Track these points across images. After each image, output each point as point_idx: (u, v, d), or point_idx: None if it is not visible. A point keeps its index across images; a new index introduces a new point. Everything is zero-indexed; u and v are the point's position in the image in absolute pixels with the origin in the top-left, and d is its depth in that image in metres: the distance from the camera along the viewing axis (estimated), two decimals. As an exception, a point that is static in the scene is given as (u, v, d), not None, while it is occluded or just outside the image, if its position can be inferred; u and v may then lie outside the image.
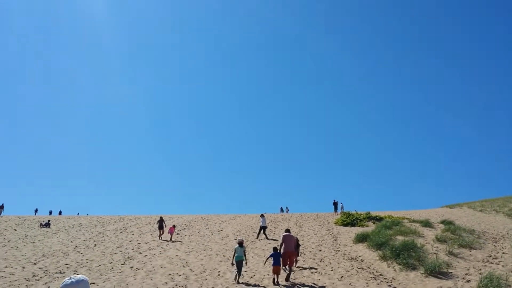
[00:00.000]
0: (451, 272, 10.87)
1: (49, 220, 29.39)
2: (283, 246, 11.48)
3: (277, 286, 10.61)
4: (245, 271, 12.58)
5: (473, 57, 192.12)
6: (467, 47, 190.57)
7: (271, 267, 11.34)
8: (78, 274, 2.22)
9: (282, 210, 45.13)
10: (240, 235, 22.09)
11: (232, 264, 11.65)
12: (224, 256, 15.68)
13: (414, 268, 11.40)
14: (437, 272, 10.74)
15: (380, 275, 11.32)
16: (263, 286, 10.70)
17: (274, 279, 11.08)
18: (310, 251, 16.21)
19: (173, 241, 20.19)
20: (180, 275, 12.20)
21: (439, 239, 15.39)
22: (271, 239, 20.21)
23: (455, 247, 14.01)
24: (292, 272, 12.06)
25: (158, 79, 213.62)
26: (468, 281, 9.89)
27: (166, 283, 11.20)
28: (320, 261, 14.03)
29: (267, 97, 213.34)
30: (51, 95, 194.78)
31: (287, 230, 12.15)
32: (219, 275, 12.22)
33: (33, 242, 20.17)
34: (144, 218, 34.42)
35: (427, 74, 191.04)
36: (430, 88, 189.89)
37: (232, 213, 41.05)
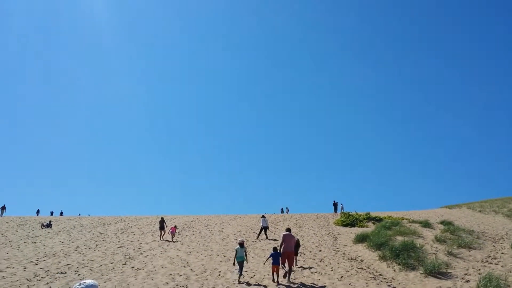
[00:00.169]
0: (451, 272, 10.93)
1: (50, 221, 29.46)
2: (283, 245, 11.55)
3: (277, 286, 10.68)
4: (245, 271, 12.64)
5: (473, 57, 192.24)
6: (467, 47, 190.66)
7: (271, 267, 11.45)
8: (87, 279, 2.24)
9: (282, 210, 45.20)
10: (241, 235, 22.16)
11: (234, 264, 11.75)
12: (224, 256, 15.74)
13: (413, 268, 11.47)
14: (437, 272, 10.80)
15: (380, 275, 11.39)
16: (264, 286, 10.77)
17: (273, 278, 11.20)
18: (310, 252, 16.27)
19: (174, 241, 20.27)
20: (181, 275, 12.27)
21: (438, 240, 15.45)
22: (271, 239, 20.28)
23: (455, 247, 14.07)
24: (292, 272, 12.12)
25: (159, 79, 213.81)
26: (467, 281, 9.96)
27: (167, 283, 11.27)
28: (320, 261, 14.09)
29: (267, 97, 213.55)
30: (51, 95, 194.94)
31: (288, 230, 12.21)
32: (219, 275, 12.29)
33: (35, 242, 20.25)
34: (145, 218, 34.49)
35: (427, 74, 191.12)
36: (430, 88, 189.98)
37: (232, 213, 41.12)
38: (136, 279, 11.84)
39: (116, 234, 23.81)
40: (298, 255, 14.67)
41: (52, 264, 14.20)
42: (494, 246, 15.09)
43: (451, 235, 16.60)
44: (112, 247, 18.46)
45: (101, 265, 14.07)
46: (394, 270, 11.68)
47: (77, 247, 18.69)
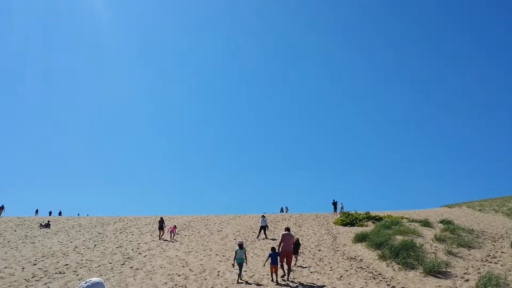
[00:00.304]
0: (450, 272, 10.90)
1: (48, 221, 29.39)
2: (281, 245, 11.53)
3: (276, 285, 10.64)
4: (245, 271, 12.61)
5: (473, 57, 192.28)
6: (467, 47, 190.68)
7: (269, 267, 11.44)
8: (93, 277, 2.32)
9: (282, 210, 45.18)
10: (240, 235, 22.12)
11: (233, 266, 11.75)
12: (223, 256, 15.70)
13: (413, 268, 11.43)
14: (436, 271, 10.77)
15: (379, 274, 11.35)
16: (263, 285, 10.73)
17: (272, 278, 11.19)
18: (309, 251, 16.24)
19: (173, 241, 20.22)
20: (179, 275, 12.23)
21: (438, 239, 15.42)
22: (271, 239, 20.24)
23: (454, 246, 14.05)
24: (291, 272, 12.09)
25: (158, 79, 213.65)
26: (467, 280, 9.92)
27: (166, 283, 11.22)
28: (320, 261, 14.06)
29: (267, 96, 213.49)
30: (51, 95, 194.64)
31: (287, 229, 12.17)
32: (218, 275, 12.25)
33: (33, 242, 20.19)
34: (144, 218, 34.43)
35: (427, 74, 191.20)
36: (429, 88, 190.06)
37: (231, 213, 41.07)
38: (134, 279, 11.79)
39: (114, 234, 23.75)
40: (298, 254, 14.63)
41: (51, 264, 14.15)
42: (493, 245, 15.05)
43: (451, 234, 16.57)
44: (111, 247, 18.41)
45: (99, 265, 14.02)
46: (394, 270, 11.64)
47: (76, 247, 18.63)
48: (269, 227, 24.84)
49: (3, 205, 39.46)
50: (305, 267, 13.06)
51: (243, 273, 12.10)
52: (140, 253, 16.61)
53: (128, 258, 15.55)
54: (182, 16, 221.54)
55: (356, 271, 12.00)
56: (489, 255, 12.89)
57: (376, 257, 13.51)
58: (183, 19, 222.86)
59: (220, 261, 14.64)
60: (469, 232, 17.83)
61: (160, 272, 12.73)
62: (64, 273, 12.69)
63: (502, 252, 13.28)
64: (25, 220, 33.30)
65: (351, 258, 14.18)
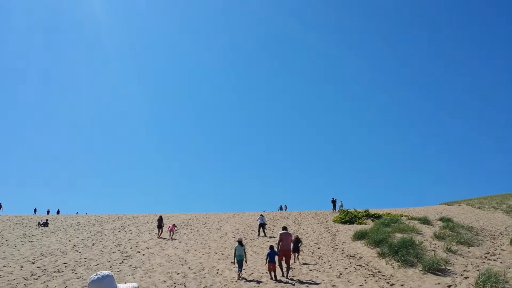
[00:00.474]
0: (449, 269, 10.89)
1: (47, 220, 29.33)
2: (280, 244, 11.52)
3: (275, 283, 10.61)
4: (244, 269, 12.58)
5: (473, 57, 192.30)
6: (468, 47, 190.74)
7: (267, 265, 11.43)
8: (103, 271, 2.45)
9: (281, 208, 45.18)
10: (239, 233, 22.10)
11: (233, 263, 11.73)
12: (222, 254, 15.67)
13: (412, 265, 11.41)
14: (435, 269, 10.75)
15: (379, 272, 11.33)
16: (262, 282, 10.70)
17: (271, 276, 11.20)
18: (308, 249, 16.22)
19: (172, 239, 20.20)
20: (178, 274, 12.19)
21: (437, 236, 15.42)
22: (270, 237, 20.23)
23: (454, 244, 14.04)
24: (290, 270, 12.07)
25: (158, 79, 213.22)
26: (466, 277, 9.90)
27: (165, 281, 11.19)
28: (319, 259, 14.04)
29: (265, 95, 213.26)
30: (50, 95, 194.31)
31: (284, 228, 12.14)
32: (217, 273, 12.22)
33: (31, 241, 20.14)
34: (142, 216, 34.39)
35: (427, 73, 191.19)
36: (428, 87, 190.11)
37: (230, 211, 41.07)
38: (133, 278, 11.75)
39: (113, 232, 23.71)
40: (299, 252, 14.61)
41: (49, 263, 14.10)
42: (493, 242, 15.05)
43: (450, 232, 16.56)
44: (109, 246, 18.37)
45: (98, 264, 13.98)
46: (393, 267, 11.63)
47: (74, 245, 18.59)
48: (266, 224, 24.83)
49: (1, 203, 39.40)
50: (305, 265, 13.04)
51: (242, 270, 12.06)
52: (139, 252, 16.57)
53: (126, 256, 15.51)
54: (183, 16, 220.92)
55: (356, 268, 11.98)
56: (489, 253, 12.88)
57: (375, 255, 13.49)
58: (184, 19, 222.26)
59: (219, 259, 14.61)
60: (468, 229, 17.83)
61: (159, 271, 12.70)
62: (62, 271, 12.65)
63: (502, 250, 13.27)
64: (23, 219, 33.23)
65: (350, 256, 14.16)
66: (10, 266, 13.40)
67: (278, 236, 11.76)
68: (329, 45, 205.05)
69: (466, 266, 11.17)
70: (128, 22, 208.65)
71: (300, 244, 14.02)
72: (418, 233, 16.56)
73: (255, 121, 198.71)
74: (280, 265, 11.64)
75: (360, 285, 9.96)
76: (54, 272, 12.56)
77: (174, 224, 21.83)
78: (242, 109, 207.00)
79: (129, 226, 26.72)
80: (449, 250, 13.00)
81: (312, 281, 10.77)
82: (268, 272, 11.61)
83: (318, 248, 16.46)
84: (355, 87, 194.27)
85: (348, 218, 26.12)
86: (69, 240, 20.41)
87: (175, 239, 20.45)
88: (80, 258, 15.08)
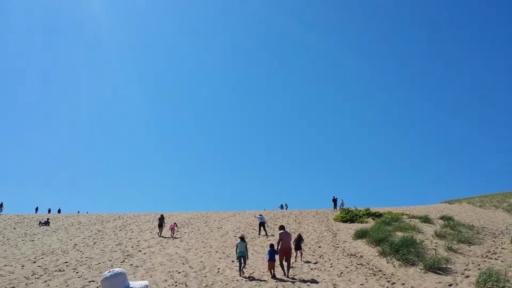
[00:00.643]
0: (450, 268, 10.88)
1: (48, 219, 29.37)
2: (280, 242, 11.52)
3: (276, 281, 10.62)
4: (245, 268, 12.58)
5: (473, 57, 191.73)
6: (468, 47, 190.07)
7: (267, 264, 11.47)
8: (116, 268, 2.52)
9: (282, 207, 45.21)
10: (240, 232, 22.11)
11: (233, 261, 11.73)
12: (223, 253, 15.68)
13: (413, 264, 11.41)
14: (436, 267, 10.74)
15: (379, 271, 11.33)
16: (264, 280, 10.71)
17: (272, 275, 11.23)
18: (309, 248, 16.22)
19: (174, 238, 20.23)
20: (179, 273, 12.20)
21: (438, 235, 15.41)
22: (271, 235, 20.23)
23: (454, 242, 14.03)
24: (291, 268, 12.07)
25: (158, 79, 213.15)
26: (467, 276, 9.90)
27: (166, 280, 11.20)
28: (320, 258, 14.04)
29: (266, 94, 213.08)
30: (51, 95, 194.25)
31: (282, 227, 12.12)
32: (218, 272, 12.23)
33: (33, 240, 20.17)
34: (144, 215, 34.43)
35: (427, 73, 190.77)
36: (429, 86, 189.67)
37: (231, 210, 41.09)
38: (134, 277, 11.76)
39: (114, 231, 23.74)
40: (301, 250, 14.64)
41: (50, 262, 14.12)
42: (494, 241, 15.04)
43: (451, 230, 16.55)
44: (111, 245, 18.39)
45: (99, 263, 14.00)
46: (394, 266, 11.63)
47: (75, 244, 18.61)
48: (266, 223, 24.85)
49: (2, 202, 39.45)
50: (306, 263, 13.04)
51: (243, 269, 12.05)
52: (140, 251, 16.59)
53: (128, 255, 15.53)
54: (183, 16, 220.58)
55: (356, 267, 11.98)
56: (490, 251, 12.87)
57: (376, 254, 13.49)
58: (184, 19, 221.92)
59: (220, 258, 14.62)
60: (469, 228, 17.82)
61: (160, 270, 12.71)
62: (63, 270, 12.67)
63: (503, 248, 13.26)
64: (24, 218, 33.29)
65: (351, 255, 14.16)
66: (11, 265, 13.42)
67: (278, 235, 11.76)
68: (329, 45, 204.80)
69: (467, 265, 11.16)
70: (128, 22, 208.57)
71: (301, 241, 14.07)
72: (419, 231, 16.55)
73: (255, 121, 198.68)
74: (281, 264, 11.64)
75: (361, 284, 9.96)
76: (55, 271, 12.58)
77: (175, 223, 21.84)
78: (242, 109, 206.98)
79: (130, 225, 26.75)
80: (450, 248, 12.99)
81: (313, 280, 10.78)
82: (268, 271, 11.62)
83: (319, 247, 16.46)
84: (355, 87, 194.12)
85: (349, 217, 26.12)
86: (70, 239, 20.44)
87: (177, 237, 20.47)
88: (81, 257, 15.10)
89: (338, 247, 16.15)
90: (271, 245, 11.56)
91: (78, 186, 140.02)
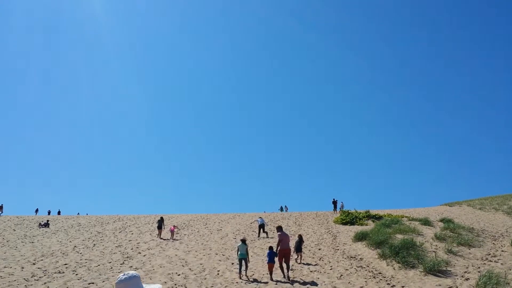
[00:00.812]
0: (450, 270, 10.87)
1: (48, 220, 29.36)
2: (280, 244, 11.49)
3: (276, 284, 10.61)
4: (244, 269, 12.57)
5: (473, 57, 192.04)
6: (468, 47, 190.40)
7: (267, 265, 11.47)
8: (130, 271, 2.53)
9: (281, 209, 45.18)
10: (240, 234, 22.09)
11: (233, 263, 11.72)
12: (223, 255, 15.67)
13: (413, 267, 11.40)
14: (436, 270, 10.73)
15: (379, 273, 11.32)
16: (263, 282, 10.70)
17: (271, 277, 11.25)
18: (309, 250, 16.21)
19: (173, 240, 20.22)
20: (179, 275, 12.19)
21: (438, 237, 15.40)
22: (271, 238, 20.21)
23: (454, 245, 14.02)
24: (291, 271, 12.06)
25: (158, 79, 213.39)
26: (467, 279, 9.89)
27: (166, 282, 11.19)
28: (319, 260, 14.03)
29: (266, 94, 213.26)
30: (51, 95, 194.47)
31: (280, 228, 12.10)
32: (218, 274, 12.21)
33: (32, 242, 20.15)
34: (143, 217, 34.41)
35: (427, 73, 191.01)
36: (429, 87, 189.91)
37: (231, 212, 41.06)
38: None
39: (114, 233, 23.72)
40: (302, 252, 14.64)
41: (50, 264, 14.11)
42: (494, 243, 15.03)
43: (451, 233, 16.54)
44: (110, 247, 18.38)
45: (99, 265, 13.98)
46: (394, 269, 11.62)
47: (75, 246, 18.60)
48: (268, 225, 24.83)
49: (2, 205, 39.41)
50: (305, 265, 13.03)
51: (243, 271, 12.05)
52: (140, 253, 16.58)
53: (127, 257, 15.52)
54: (183, 16, 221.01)
55: (356, 270, 11.97)
56: (490, 254, 12.86)
57: (376, 256, 13.48)
58: (184, 19, 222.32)
59: (220, 260, 14.61)
60: (469, 230, 17.80)
61: (160, 272, 12.70)
62: (63, 272, 12.66)
63: (503, 251, 13.25)
64: (24, 220, 33.27)
65: (351, 257, 14.15)
66: (11, 267, 13.41)
67: (278, 236, 11.73)
68: (329, 45, 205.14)
69: (467, 268, 11.15)
70: (128, 22, 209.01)
71: (302, 243, 14.10)
72: (419, 234, 16.54)
73: (255, 121, 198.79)
74: (281, 267, 11.62)
75: (361, 287, 9.96)
76: (55, 273, 12.57)
77: (175, 226, 21.84)
78: (242, 109, 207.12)
79: (130, 227, 26.73)
80: (450, 251, 12.98)
81: (313, 282, 10.77)
82: (268, 273, 11.62)
83: (319, 249, 16.45)
84: (355, 87, 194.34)
85: (349, 219, 26.11)
86: (70, 241, 20.43)
87: (177, 239, 20.46)
88: (81, 259, 15.09)
89: (338, 249, 16.14)
90: (270, 247, 11.58)
91: (78, 187, 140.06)
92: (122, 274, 2.49)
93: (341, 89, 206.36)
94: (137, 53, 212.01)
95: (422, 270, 10.86)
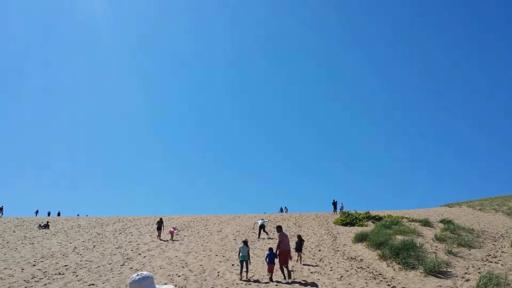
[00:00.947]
0: (451, 271, 10.87)
1: (47, 222, 29.34)
2: (281, 244, 11.49)
3: (276, 285, 10.61)
4: (245, 271, 12.57)
5: (474, 57, 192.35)
6: (468, 47, 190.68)
7: (267, 266, 11.48)
8: (143, 271, 2.56)
9: (281, 210, 45.17)
10: (240, 235, 22.09)
11: (233, 264, 11.73)
12: (223, 256, 15.66)
13: (413, 268, 11.40)
14: (437, 271, 10.73)
15: (380, 274, 11.32)
16: (264, 283, 10.70)
17: (271, 278, 11.24)
18: (309, 251, 16.21)
19: (173, 241, 20.20)
20: (179, 276, 12.19)
21: (438, 238, 15.39)
22: (270, 238, 20.21)
23: (455, 246, 14.01)
24: (292, 272, 12.06)
25: (158, 79, 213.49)
26: (468, 280, 9.89)
27: (166, 283, 11.18)
28: (320, 261, 14.03)
29: (265, 96, 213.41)
30: (50, 95, 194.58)
31: (280, 228, 12.10)
32: (218, 275, 12.21)
33: (32, 243, 20.14)
34: (143, 219, 34.39)
35: (427, 73, 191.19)
36: (429, 87, 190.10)
37: (231, 213, 41.05)
38: (134, 280, 11.74)
39: (114, 234, 23.71)
40: (302, 252, 14.65)
41: (50, 265, 14.10)
42: (494, 244, 15.02)
43: (451, 234, 16.54)
44: (110, 248, 18.37)
45: (99, 266, 13.98)
46: (394, 270, 11.61)
47: (75, 248, 18.59)
48: (267, 224, 24.84)
49: (2, 206, 39.41)
50: (306, 267, 13.03)
51: (243, 273, 12.04)
52: (140, 254, 16.57)
53: (127, 258, 15.51)
54: (183, 16, 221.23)
55: (356, 271, 11.97)
56: (490, 255, 12.86)
57: (376, 257, 13.48)
58: (184, 19, 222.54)
59: (220, 261, 14.60)
60: (469, 231, 17.80)
61: (160, 273, 12.69)
62: (63, 274, 12.65)
63: (503, 252, 13.25)
64: (24, 221, 33.25)
65: (351, 258, 14.15)
66: (11, 269, 13.40)
67: (279, 236, 11.74)
68: (329, 45, 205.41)
69: (467, 269, 11.16)
70: (128, 22, 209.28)
71: (302, 243, 14.15)
72: (419, 235, 16.53)
73: (255, 121, 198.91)
74: (281, 268, 11.62)
75: (361, 288, 9.95)
76: (55, 274, 12.57)
77: (174, 227, 21.83)
78: (242, 109, 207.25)
79: (129, 228, 26.72)
80: (450, 252, 12.98)
81: (313, 283, 10.76)
82: (268, 274, 11.62)
83: (319, 250, 16.44)
84: (355, 87, 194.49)
85: (349, 220, 26.11)
86: (70, 242, 20.41)
87: (176, 240, 20.45)
88: (81, 261, 15.08)
89: (338, 250, 16.13)
90: (270, 249, 11.59)
91: (78, 187, 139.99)
92: (136, 274, 2.50)
93: (341, 89, 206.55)
94: (137, 53, 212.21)
95: (422, 271, 10.86)
